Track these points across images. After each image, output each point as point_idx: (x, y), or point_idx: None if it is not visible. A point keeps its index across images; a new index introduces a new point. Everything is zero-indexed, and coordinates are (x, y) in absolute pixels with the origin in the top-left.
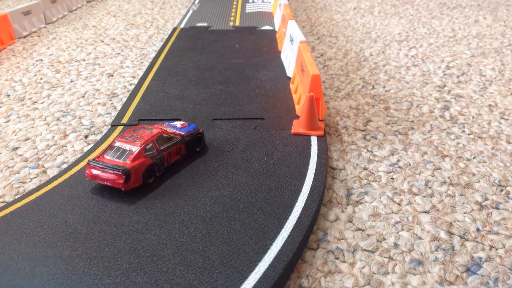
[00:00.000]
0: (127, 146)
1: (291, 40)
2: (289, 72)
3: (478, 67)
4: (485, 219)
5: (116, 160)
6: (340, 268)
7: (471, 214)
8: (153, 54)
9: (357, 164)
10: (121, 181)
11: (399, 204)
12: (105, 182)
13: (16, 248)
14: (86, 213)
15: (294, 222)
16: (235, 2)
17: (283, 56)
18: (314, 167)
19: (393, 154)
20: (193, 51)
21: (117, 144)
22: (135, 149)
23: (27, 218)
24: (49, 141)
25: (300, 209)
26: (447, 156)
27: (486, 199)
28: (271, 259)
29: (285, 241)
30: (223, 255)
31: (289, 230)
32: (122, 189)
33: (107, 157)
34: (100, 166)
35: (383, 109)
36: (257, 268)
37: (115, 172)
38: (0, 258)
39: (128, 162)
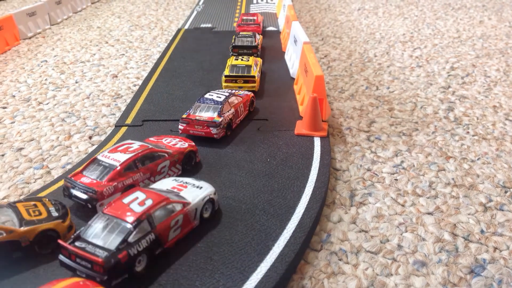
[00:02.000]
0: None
1: (295, 41)
2: (293, 72)
3: (482, 68)
4: (489, 220)
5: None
6: (343, 269)
7: (475, 216)
8: (158, 55)
9: (360, 165)
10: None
11: (402, 205)
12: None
13: None
14: (90, 214)
15: (296, 223)
16: (239, 3)
17: (286, 57)
18: (317, 168)
19: (397, 155)
20: (197, 52)
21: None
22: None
23: None
24: (54, 142)
25: (302, 210)
26: (451, 157)
27: (490, 200)
28: (273, 260)
29: (287, 242)
30: (225, 256)
31: (291, 231)
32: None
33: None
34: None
35: (387, 110)
36: (258, 269)
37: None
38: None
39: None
